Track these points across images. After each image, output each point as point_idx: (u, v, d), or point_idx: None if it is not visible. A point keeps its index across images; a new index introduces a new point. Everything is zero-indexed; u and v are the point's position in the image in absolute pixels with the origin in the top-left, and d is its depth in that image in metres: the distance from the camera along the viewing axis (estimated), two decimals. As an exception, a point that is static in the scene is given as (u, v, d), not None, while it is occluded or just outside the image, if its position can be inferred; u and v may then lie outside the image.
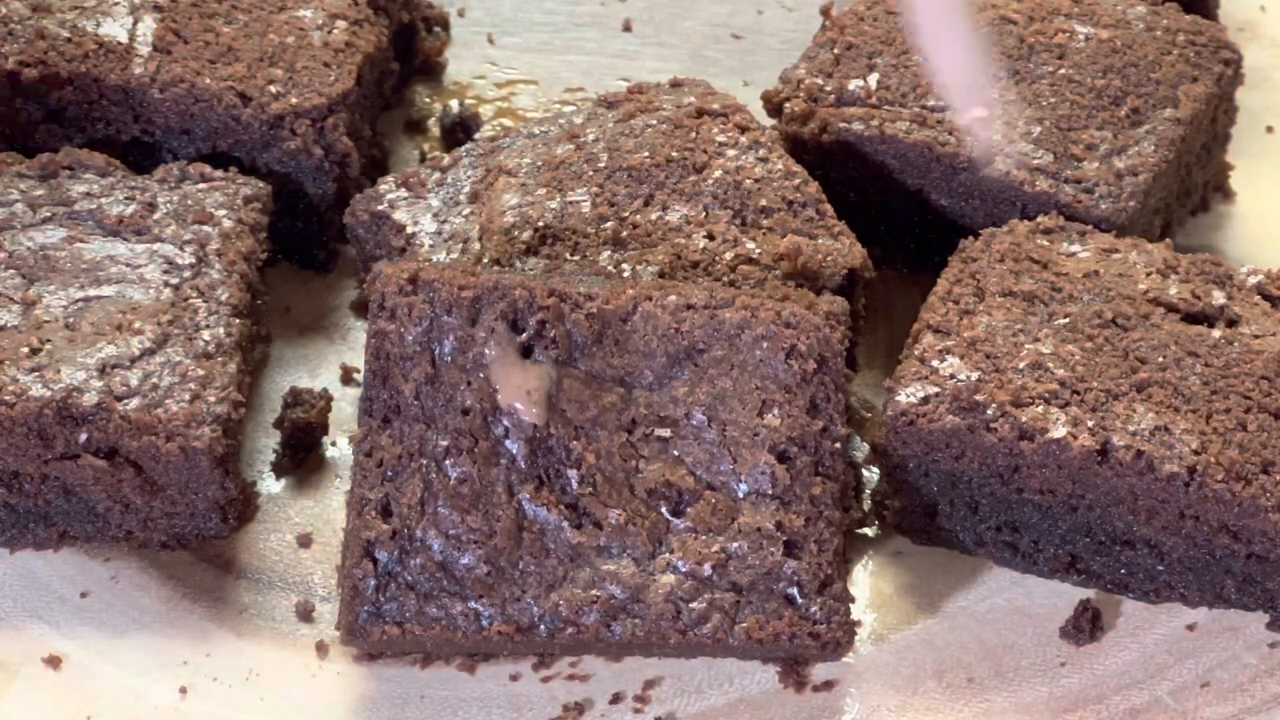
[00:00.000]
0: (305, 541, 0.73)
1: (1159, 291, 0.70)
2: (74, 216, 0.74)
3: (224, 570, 0.72)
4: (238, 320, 0.71)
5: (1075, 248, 0.72)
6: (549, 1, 0.96)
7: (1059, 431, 0.65)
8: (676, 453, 0.67)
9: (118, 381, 0.68)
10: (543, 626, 0.65)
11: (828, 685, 0.68)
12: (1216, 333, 0.69)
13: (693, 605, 0.65)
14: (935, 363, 0.67)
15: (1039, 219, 0.73)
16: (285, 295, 0.81)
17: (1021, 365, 0.67)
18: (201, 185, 0.76)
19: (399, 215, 0.76)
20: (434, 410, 0.67)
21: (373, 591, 0.65)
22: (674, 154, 0.76)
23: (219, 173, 0.77)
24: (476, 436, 0.66)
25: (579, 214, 0.74)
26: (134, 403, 0.68)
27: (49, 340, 0.69)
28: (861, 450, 0.74)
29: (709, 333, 0.68)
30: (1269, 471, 0.65)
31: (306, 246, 0.82)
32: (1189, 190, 0.83)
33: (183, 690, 0.68)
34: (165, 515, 0.70)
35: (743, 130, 0.77)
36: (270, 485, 0.75)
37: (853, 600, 0.66)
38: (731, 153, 0.76)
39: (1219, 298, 0.70)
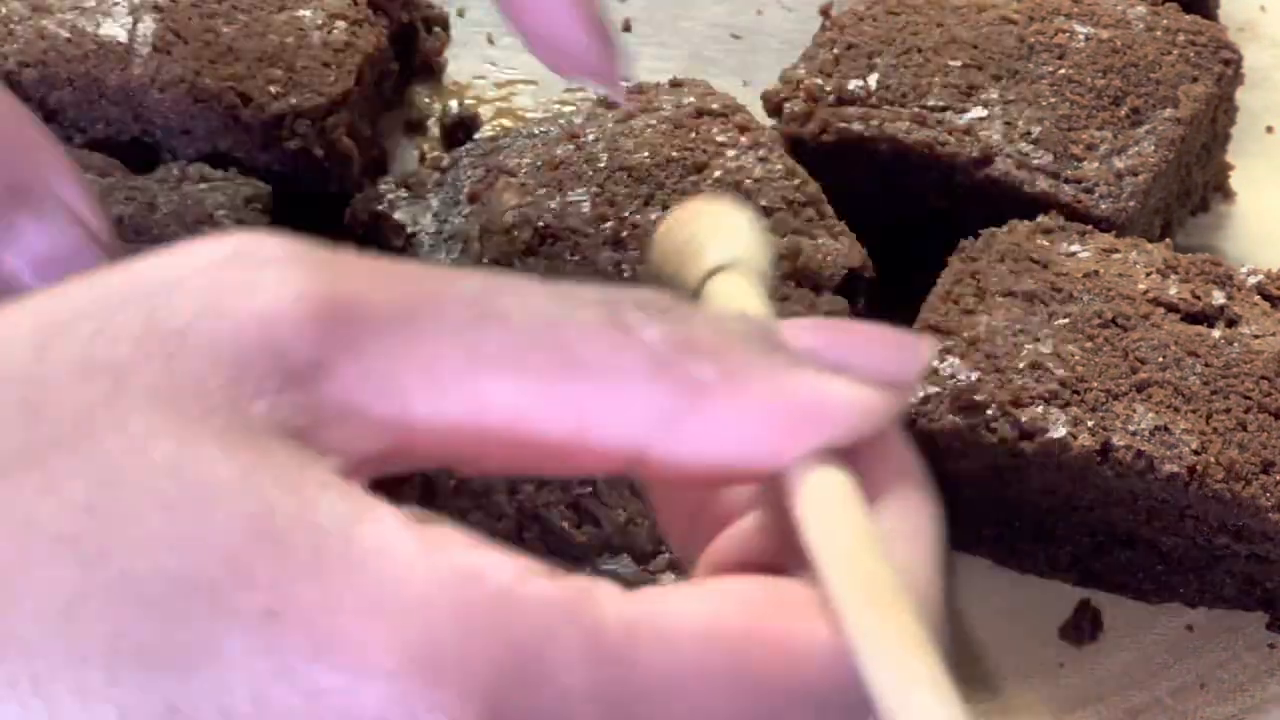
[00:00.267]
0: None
1: (1159, 291, 0.70)
2: (74, 216, 0.74)
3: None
4: (238, 320, 0.71)
5: (1075, 248, 0.72)
6: (549, 2, 0.95)
7: (1059, 431, 0.65)
8: (677, 452, 0.67)
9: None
10: (543, 626, 0.64)
11: (828, 685, 0.67)
12: (1216, 333, 0.69)
13: (693, 605, 0.65)
14: (935, 362, 0.67)
15: (1039, 219, 0.73)
16: (285, 295, 0.81)
17: (1022, 365, 0.67)
18: (201, 185, 0.76)
19: (399, 215, 0.76)
20: (434, 410, 0.67)
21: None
22: (674, 154, 0.76)
23: (219, 172, 0.77)
24: (477, 436, 0.66)
25: (579, 214, 0.74)
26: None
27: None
28: (861, 450, 0.74)
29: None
30: (1269, 471, 0.65)
31: (306, 247, 0.81)
32: (1189, 190, 0.83)
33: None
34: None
35: (743, 130, 0.77)
36: (270, 485, 0.75)
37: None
38: (731, 153, 0.76)
39: (1219, 298, 0.70)
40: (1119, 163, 0.76)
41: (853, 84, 0.79)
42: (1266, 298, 0.71)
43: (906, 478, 0.36)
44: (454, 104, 0.89)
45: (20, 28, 0.80)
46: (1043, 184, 0.75)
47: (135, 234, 0.75)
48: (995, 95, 0.78)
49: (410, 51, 0.91)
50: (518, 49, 0.94)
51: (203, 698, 0.28)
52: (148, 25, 0.80)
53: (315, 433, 0.31)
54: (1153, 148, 0.76)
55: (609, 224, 0.74)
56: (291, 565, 0.29)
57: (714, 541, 0.36)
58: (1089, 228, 0.73)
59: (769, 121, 0.81)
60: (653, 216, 0.74)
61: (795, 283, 0.71)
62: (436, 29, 0.93)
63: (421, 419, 0.32)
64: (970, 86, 0.78)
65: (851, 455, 0.35)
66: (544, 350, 0.33)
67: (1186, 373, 0.67)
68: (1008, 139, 0.76)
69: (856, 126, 0.78)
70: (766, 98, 0.82)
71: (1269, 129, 0.89)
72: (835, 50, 0.81)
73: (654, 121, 0.78)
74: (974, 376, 0.67)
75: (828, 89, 0.79)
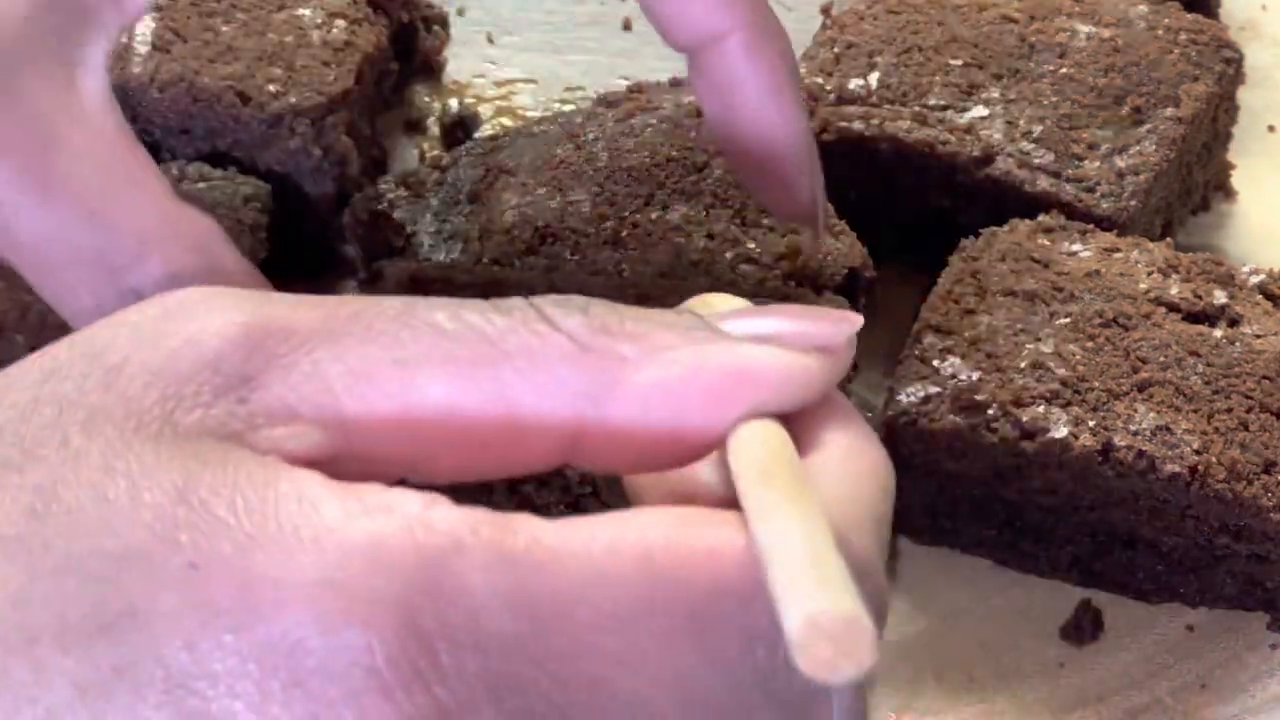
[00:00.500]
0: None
1: (1160, 291, 0.70)
2: (73, 216, 0.74)
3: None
4: (237, 320, 0.71)
5: (1077, 247, 0.72)
6: (549, 1, 0.95)
7: (1060, 431, 0.65)
8: (677, 452, 0.67)
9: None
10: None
11: (828, 685, 0.67)
12: (1218, 332, 0.68)
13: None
14: (936, 362, 0.67)
15: (1040, 218, 0.73)
16: (285, 295, 0.81)
17: (1023, 365, 0.67)
18: (201, 185, 0.76)
19: (399, 215, 0.76)
20: (434, 410, 0.67)
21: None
22: (674, 153, 0.76)
23: (218, 172, 0.77)
24: (477, 436, 0.66)
25: (579, 213, 0.74)
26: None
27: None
28: (862, 450, 0.74)
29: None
30: (1271, 471, 0.64)
31: (306, 246, 0.81)
32: (1190, 189, 0.83)
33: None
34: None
35: (743, 130, 0.77)
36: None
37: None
38: (732, 152, 0.76)
39: (1220, 297, 0.70)
40: (1120, 162, 0.76)
41: (853, 83, 0.79)
42: (1268, 297, 0.71)
43: (847, 430, 0.37)
44: (453, 103, 0.89)
45: (19, 27, 0.81)
46: (1044, 183, 0.75)
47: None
48: (996, 94, 0.78)
49: (410, 50, 0.91)
50: (517, 48, 0.95)
51: (142, 653, 0.30)
52: (146, 24, 0.80)
53: (249, 436, 0.33)
54: (1154, 147, 0.76)
55: (609, 224, 0.74)
56: (211, 521, 0.31)
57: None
58: (1090, 227, 0.73)
59: (769, 121, 0.81)
60: (653, 216, 0.74)
61: (795, 282, 0.71)
62: (436, 28, 0.93)
63: (354, 416, 0.34)
64: (971, 85, 0.78)
65: (793, 420, 0.36)
66: (468, 346, 0.35)
67: (1188, 372, 0.67)
68: (1009, 138, 0.76)
69: (857, 125, 0.78)
70: (767, 97, 0.82)
71: (1270, 128, 0.89)
72: (836, 49, 0.81)
73: (654, 121, 0.78)
74: (975, 376, 0.66)
75: (828, 88, 0.79)
